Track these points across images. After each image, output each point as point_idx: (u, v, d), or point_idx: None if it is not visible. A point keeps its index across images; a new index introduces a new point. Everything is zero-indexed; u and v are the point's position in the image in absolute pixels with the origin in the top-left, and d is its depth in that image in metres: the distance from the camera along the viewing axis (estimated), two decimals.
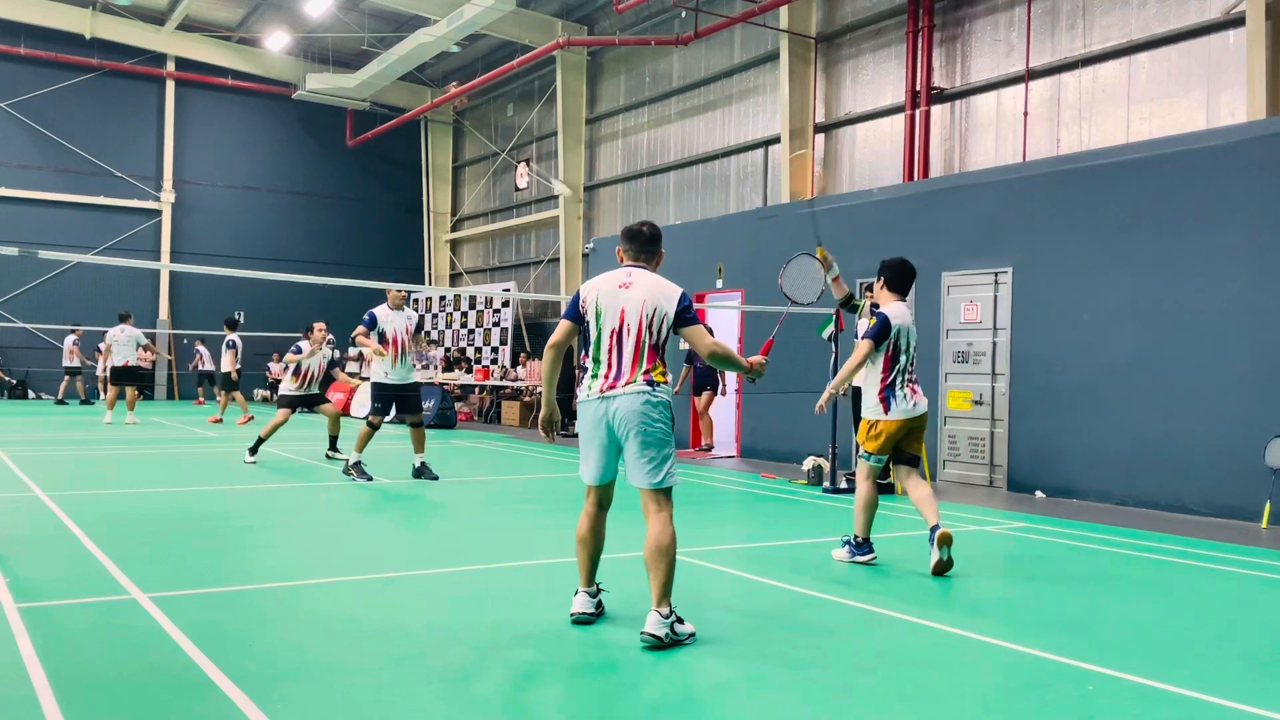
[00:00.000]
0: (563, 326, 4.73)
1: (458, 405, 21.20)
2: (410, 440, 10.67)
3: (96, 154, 25.94)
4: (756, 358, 4.89)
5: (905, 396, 6.34)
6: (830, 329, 10.63)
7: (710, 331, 5.54)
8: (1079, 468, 10.25)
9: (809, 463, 11.09)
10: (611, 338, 4.63)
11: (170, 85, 26.62)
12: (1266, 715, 3.77)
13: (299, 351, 12.29)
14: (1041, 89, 13.74)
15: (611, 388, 4.56)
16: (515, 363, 22.84)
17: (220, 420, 18.06)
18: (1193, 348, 9.45)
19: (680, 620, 4.48)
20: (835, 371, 10.64)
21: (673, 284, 4.72)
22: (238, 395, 18.04)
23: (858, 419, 10.57)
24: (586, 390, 4.65)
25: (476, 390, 22.93)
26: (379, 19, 24.33)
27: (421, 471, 10.45)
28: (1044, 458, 10.53)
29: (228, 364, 17.65)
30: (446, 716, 3.59)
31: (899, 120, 15.59)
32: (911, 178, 14.88)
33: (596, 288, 4.73)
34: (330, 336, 12.64)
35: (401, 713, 3.59)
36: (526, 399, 20.76)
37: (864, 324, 10.34)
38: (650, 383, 4.56)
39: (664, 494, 4.56)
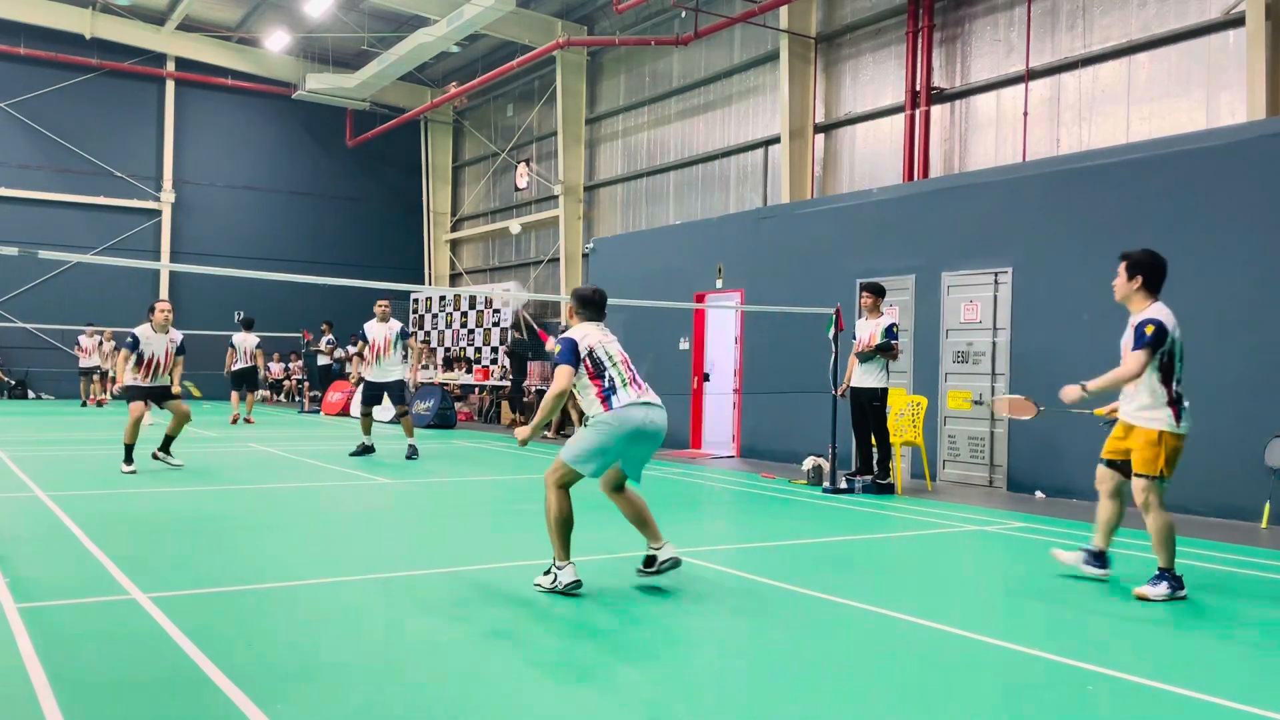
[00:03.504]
0: (566, 371, 5.33)
1: (457, 405, 21.19)
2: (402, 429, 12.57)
3: (96, 154, 25.94)
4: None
5: (1187, 410, 5.66)
6: (833, 330, 10.61)
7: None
8: (1079, 468, 10.21)
9: (809, 463, 11.07)
10: (625, 364, 5.52)
11: (170, 85, 26.62)
12: (1266, 715, 3.77)
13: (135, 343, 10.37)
14: (1041, 89, 13.74)
15: (645, 396, 5.44)
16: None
17: (250, 420, 18.06)
18: (1192, 348, 9.37)
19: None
20: (835, 372, 10.63)
21: None
22: (234, 395, 18.21)
23: (864, 421, 10.62)
24: (627, 396, 5.36)
25: (476, 390, 22.93)
26: (379, 19, 24.33)
27: (410, 453, 12.29)
28: (1044, 458, 10.53)
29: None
30: (446, 716, 3.59)
31: (899, 120, 15.59)
32: (911, 178, 14.88)
33: (595, 336, 5.51)
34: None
35: (401, 712, 3.59)
36: (526, 399, 20.75)
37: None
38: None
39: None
